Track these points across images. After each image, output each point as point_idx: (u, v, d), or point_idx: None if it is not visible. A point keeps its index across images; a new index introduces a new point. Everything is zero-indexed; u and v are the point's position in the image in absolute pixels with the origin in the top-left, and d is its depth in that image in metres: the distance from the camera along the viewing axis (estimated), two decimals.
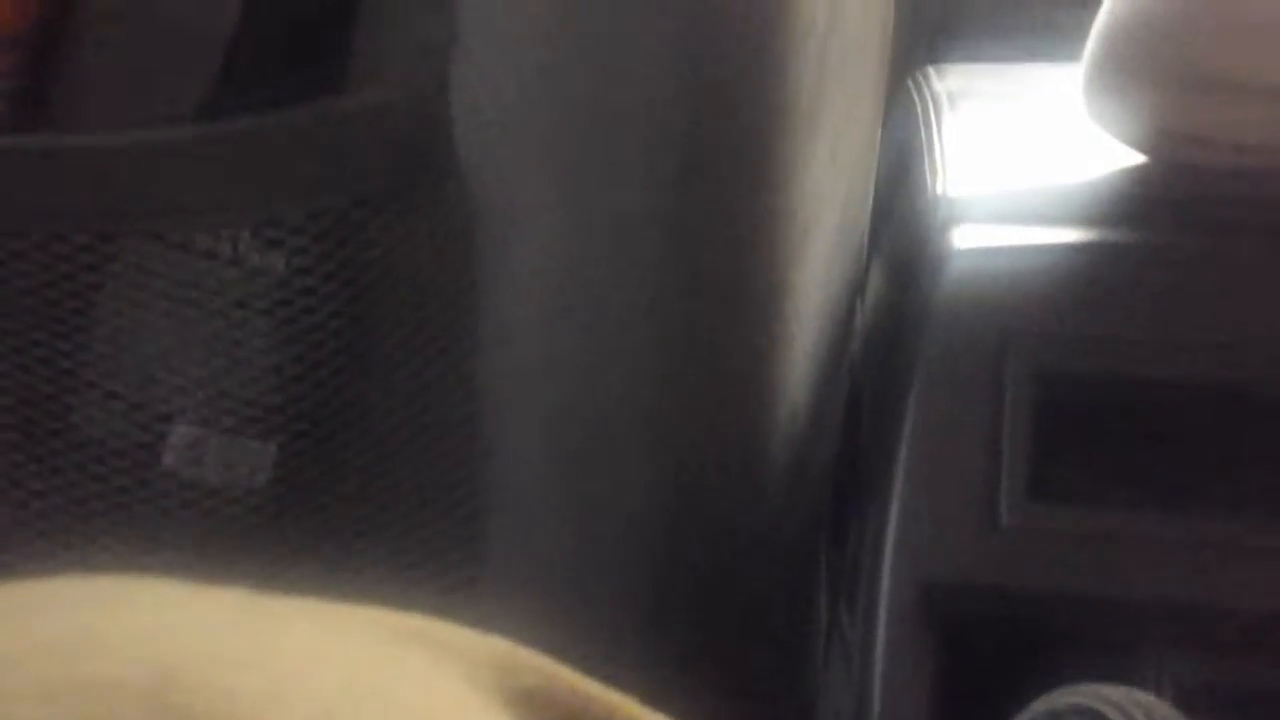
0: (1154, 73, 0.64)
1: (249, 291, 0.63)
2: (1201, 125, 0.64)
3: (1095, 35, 0.66)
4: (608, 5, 0.61)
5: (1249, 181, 0.65)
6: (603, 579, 0.64)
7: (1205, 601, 0.58)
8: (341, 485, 0.62)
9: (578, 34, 0.62)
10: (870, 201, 0.73)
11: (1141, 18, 0.64)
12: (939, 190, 0.66)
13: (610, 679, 0.31)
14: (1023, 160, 0.70)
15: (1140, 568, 0.58)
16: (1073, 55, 0.71)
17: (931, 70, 0.76)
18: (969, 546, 0.58)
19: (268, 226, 0.63)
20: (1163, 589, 0.58)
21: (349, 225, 0.63)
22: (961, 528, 0.58)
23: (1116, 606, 0.58)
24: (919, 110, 0.72)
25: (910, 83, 0.75)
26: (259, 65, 0.66)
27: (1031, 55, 0.81)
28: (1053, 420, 0.60)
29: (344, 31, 0.66)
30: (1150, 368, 0.61)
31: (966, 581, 0.58)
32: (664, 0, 0.61)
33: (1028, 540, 0.58)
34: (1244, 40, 0.62)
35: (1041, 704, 0.46)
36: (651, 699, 0.31)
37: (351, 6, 0.66)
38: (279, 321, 0.62)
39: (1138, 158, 0.67)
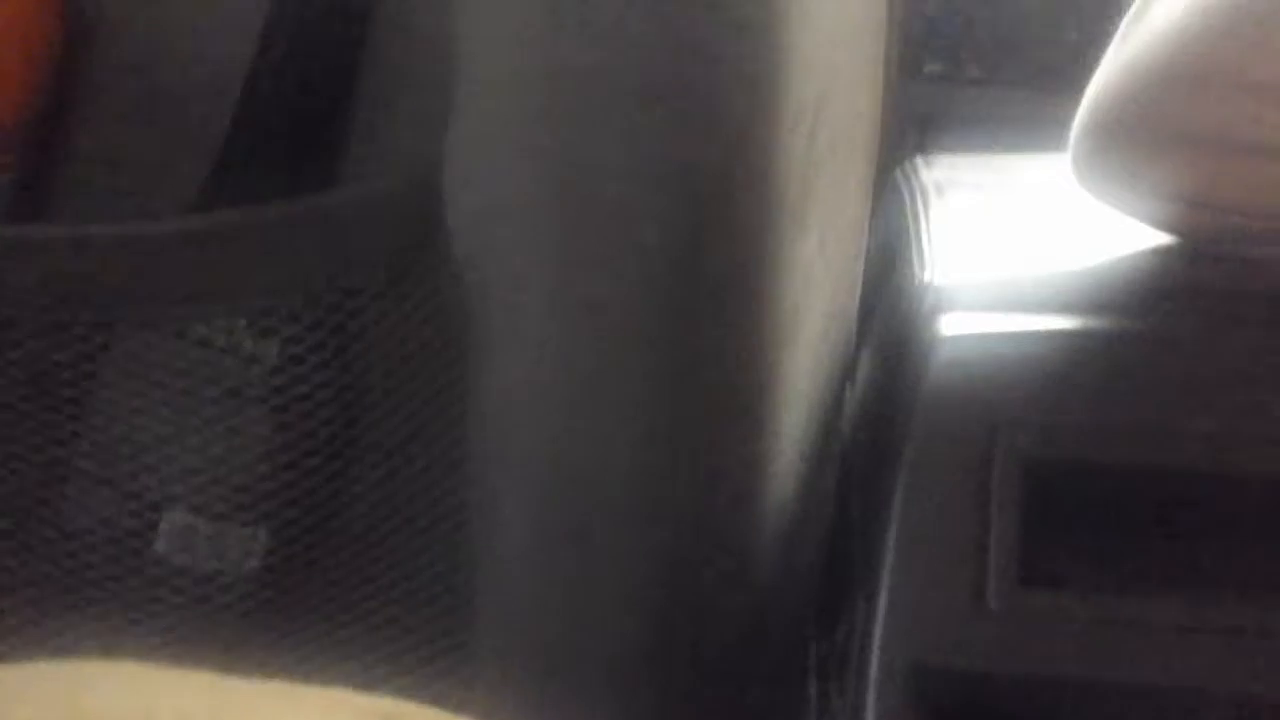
0: (1153, 133, 0.64)
1: (243, 379, 0.63)
2: (1208, 188, 0.64)
3: (1089, 96, 0.66)
4: (596, 96, 0.62)
5: (1245, 265, 0.65)
6: (591, 665, 0.64)
7: (1195, 687, 0.58)
8: (331, 570, 0.63)
9: (566, 124, 0.63)
10: (859, 290, 0.74)
11: (1141, 74, 0.64)
12: (926, 278, 0.67)
13: None
14: (1011, 248, 0.71)
15: (1130, 653, 0.59)
16: (1060, 146, 0.72)
17: (920, 161, 0.77)
18: (958, 631, 0.58)
19: (262, 315, 0.63)
20: (1152, 674, 0.58)
21: (343, 314, 0.64)
22: (950, 612, 0.58)
23: (1106, 691, 0.58)
24: (907, 199, 0.73)
25: (899, 173, 0.76)
26: (256, 158, 0.67)
27: (1021, 146, 0.82)
28: (1041, 506, 0.60)
29: (340, 125, 0.67)
30: (1141, 455, 0.61)
31: (955, 665, 0.58)
32: (652, 90, 0.62)
33: (1017, 625, 0.59)
34: (1252, 97, 0.62)
35: None
36: None
37: (348, 100, 0.67)
38: (272, 409, 0.63)
39: (1129, 242, 0.68)
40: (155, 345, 0.63)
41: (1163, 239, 0.68)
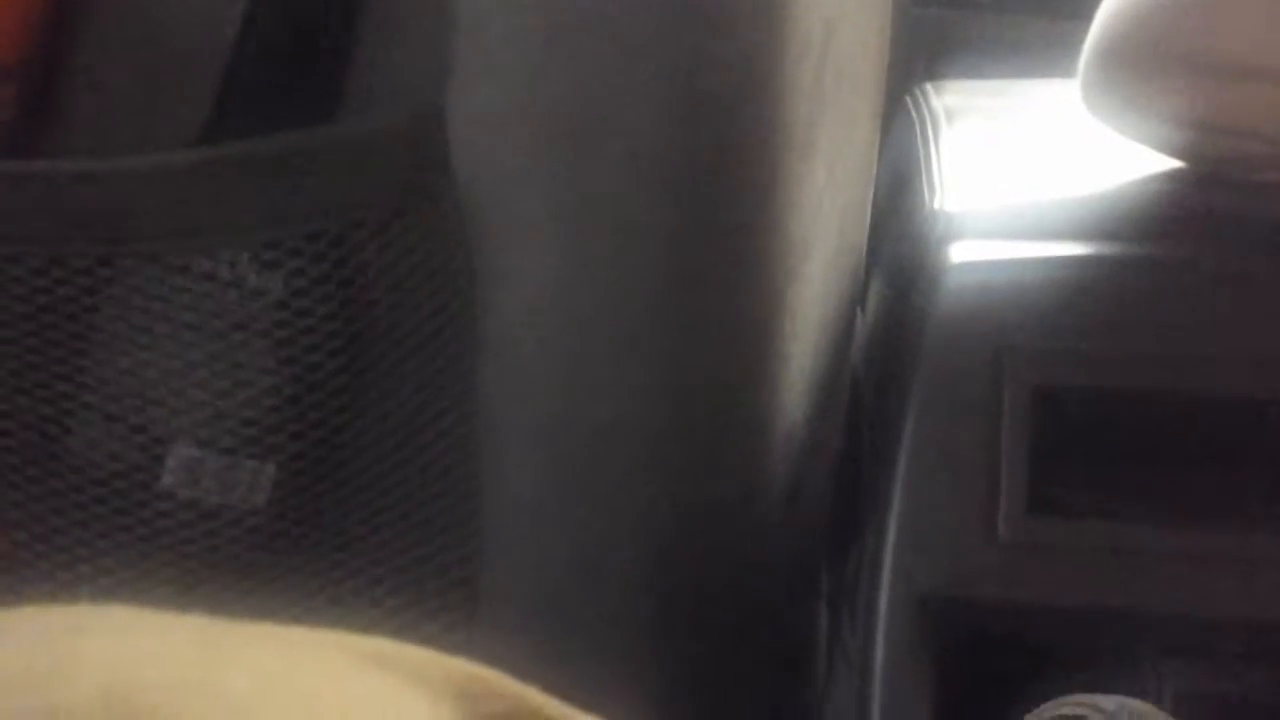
0: (1161, 58, 0.63)
1: (247, 313, 0.63)
2: (1215, 113, 0.64)
3: (1099, 22, 0.65)
4: (600, 30, 0.61)
5: (1254, 190, 0.65)
6: (601, 602, 0.64)
7: (1204, 612, 0.58)
8: (339, 506, 0.62)
9: (570, 57, 0.62)
10: (868, 218, 0.73)
11: (1147, 1, 0.63)
12: (936, 205, 0.67)
13: (611, 703, 0.31)
14: (1021, 175, 0.71)
15: (1139, 580, 0.58)
16: (1070, 72, 0.72)
17: (929, 87, 0.77)
18: (967, 560, 0.58)
19: (266, 249, 0.63)
20: (1161, 601, 0.58)
21: (347, 247, 0.64)
22: (960, 542, 0.58)
23: (1115, 618, 0.58)
24: (916, 127, 0.72)
25: (908, 99, 0.75)
26: (256, 91, 0.67)
27: (1030, 72, 0.81)
28: (1051, 434, 0.60)
29: (341, 57, 0.67)
30: (1148, 381, 0.61)
31: (965, 595, 0.58)
32: (657, 22, 0.61)
33: (1026, 554, 0.58)
34: (1261, 21, 0.62)
35: (1037, 715, 0.45)
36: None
37: (349, 33, 0.67)
38: (277, 342, 0.63)
39: (1138, 169, 0.67)
40: (159, 279, 0.63)
41: (1172, 165, 0.67)
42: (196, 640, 0.28)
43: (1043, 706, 0.54)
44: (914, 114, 0.74)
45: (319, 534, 0.62)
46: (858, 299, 0.72)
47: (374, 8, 0.66)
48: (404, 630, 0.30)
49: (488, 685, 0.29)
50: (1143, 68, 0.64)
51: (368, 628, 0.30)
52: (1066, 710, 0.45)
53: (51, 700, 0.25)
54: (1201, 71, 0.63)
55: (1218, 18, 0.62)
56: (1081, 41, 0.68)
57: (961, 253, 0.64)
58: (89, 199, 0.63)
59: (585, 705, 0.30)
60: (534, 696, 0.29)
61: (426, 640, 0.30)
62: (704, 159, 0.64)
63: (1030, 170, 0.70)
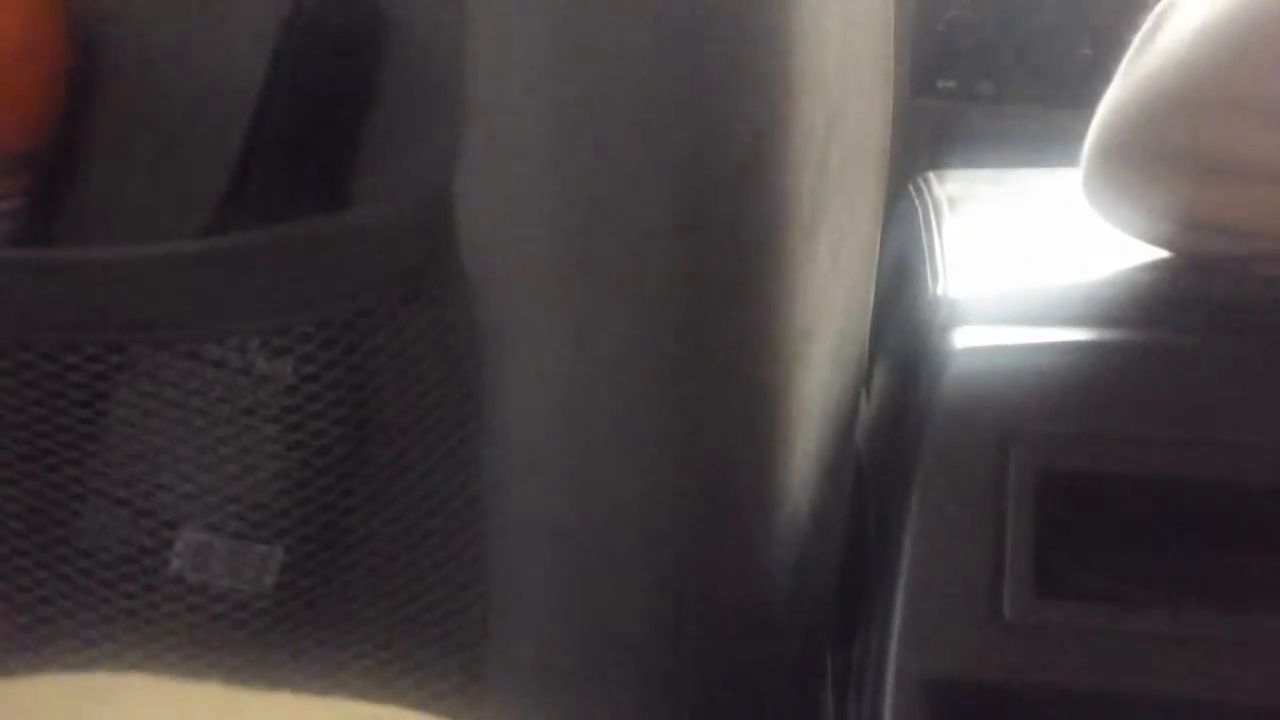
0: (1158, 156, 0.64)
1: (257, 399, 0.63)
2: (1213, 212, 0.64)
3: (1098, 119, 0.66)
4: (608, 118, 0.62)
5: (1253, 275, 0.65)
6: (606, 683, 0.64)
7: (1212, 697, 0.58)
8: (346, 586, 0.63)
9: (578, 145, 0.63)
10: (871, 304, 0.74)
11: (1148, 98, 0.64)
12: (940, 291, 0.67)
13: None
14: (1024, 262, 0.71)
15: (1146, 663, 0.58)
16: (1072, 161, 0.72)
17: (932, 176, 0.77)
18: (974, 642, 0.58)
19: (276, 335, 0.64)
20: (1169, 685, 0.58)
21: (356, 333, 0.64)
22: (966, 623, 0.58)
23: (1121, 702, 0.58)
24: (919, 214, 0.73)
25: (911, 188, 0.76)
26: (268, 179, 0.67)
27: (1031, 162, 0.82)
28: (1057, 517, 0.60)
29: (351, 145, 0.68)
30: (1153, 465, 0.61)
31: (972, 676, 0.58)
32: (663, 110, 0.62)
33: (1033, 635, 0.58)
34: (1257, 122, 0.62)
35: None
36: None
37: (359, 120, 0.68)
38: (286, 427, 0.63)
39: (1140, 256, 0.68)
40: (169, 365, 0.63)
41: (1171, 257, 0.68)
42: (212, 707, 0.28)
43: None
44: (917, 202, 0.74)
45: (325, 614, 0.62)
46: (861, 384, 0.72)
47: (386, 94, 0.67)
48: (409, 700, 0.31)
49: None
50: (1140, 165, 0.64)
51: (374, 696, 0.30)
52: None
53: None
54: (1195, 171, 0.63)
55: (1215, 118, 0.63)
56: (1082, 132, 0.69)
57: (964, 338, 0.64)
58: (101, 287, 0.64)
59: None
60: None
61: (432, 709, 0.30)
62: (710, 245, 0.64)
63: (1032, 257, 0.71)
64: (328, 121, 0.67)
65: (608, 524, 0.64)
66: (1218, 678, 0.58)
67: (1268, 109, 0.62)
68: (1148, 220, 0.66)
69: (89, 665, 0.57)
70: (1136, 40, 0.67)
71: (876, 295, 0.74)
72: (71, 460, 0.62)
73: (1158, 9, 0.67)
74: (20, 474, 0.62)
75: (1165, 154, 0.64)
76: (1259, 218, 0.64)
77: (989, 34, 1.08)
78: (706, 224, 0.64)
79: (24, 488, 0.62)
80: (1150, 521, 0.61)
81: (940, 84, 1.03)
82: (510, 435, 0.65)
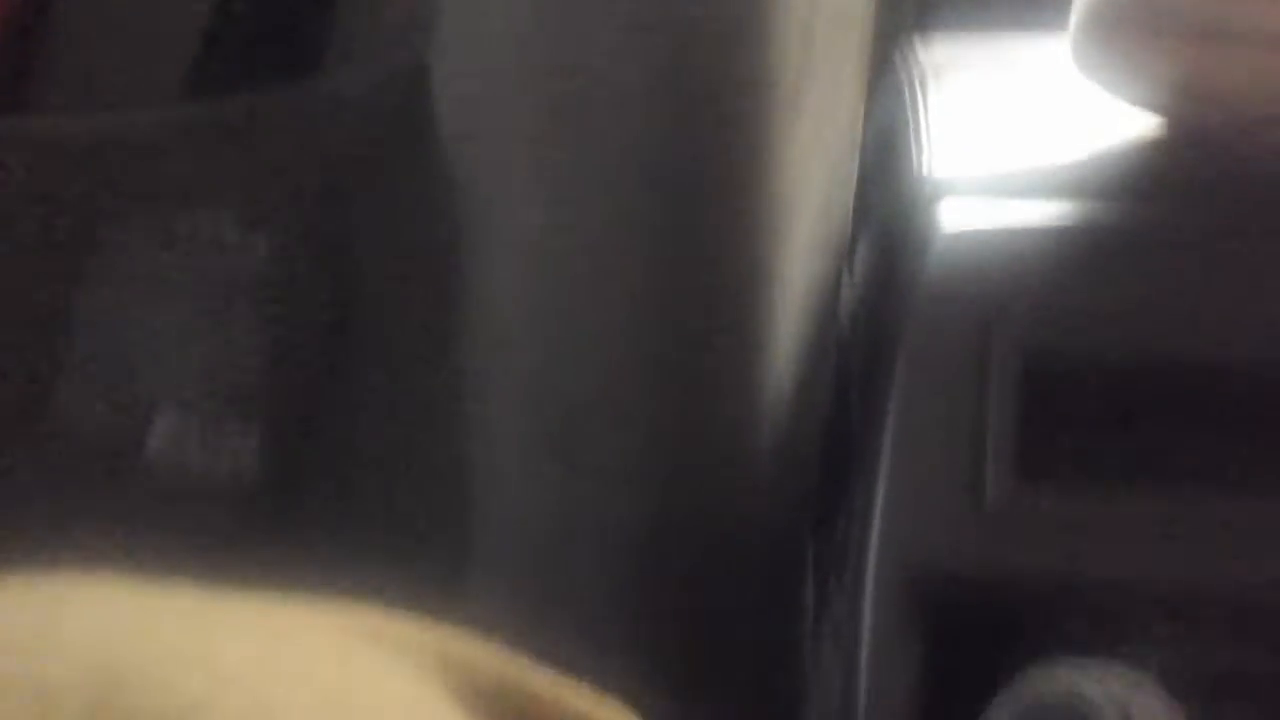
0: (1152, 18, 0.63)
1: (230, 273, 0.63)
2: (1206, 75, 0.63)
3: None
4: None
5: (1250, 149, 0.64)
6: (588, 568, 0.64)
7: (1194, 580, 0.58)
8: (326, 472, 0.62)
9: (558, 14, 0.61)
10: (854, 179, 0.73)
11: None
12: (924, 167, 0.66)
13: (597, 673, 0.31)
14: (1012, 135, 0.70)
15: (1129, 547, 0.58)
16: (1065, 24, 0.71)
17: (918, 42, 0.76)
18: (955, 528, 0.58)
19: (248, 209, 0.63)
20: (1151, 568, 0.58)
21: (332, 205, 0.63)
22: (948, 509, 0.58)
23: (1104, 586, 0.58)
24: (905, 84, 0.71)
25: (896, 55, 0.74)
26: (239, 46, 0.66)
27: (1024, 24, 0.80)
28: (1040, 400, 0.60)
29: (326, 11, 0.66)
30: (1140, 345, 0.61)
31: (953, 562, 0.58)
32: None
33: (1014, 521, 0.58)
34: None
35: (1024, 680, 0.46)
36: (638, 690, 0.32)
37: None
38: (261, 301, 0.62)
39: (1133, 129, 0.67)
40: (140, 239, 0.62)
41: (1165, 126, 0.67)
42: (185, 613, 0.28)
43: (1030, 671, 0.54)
44: (901, 71, 0.73)
45: (306, 501, 0.62)
46: (844, 261, 0.72)
47: None
48: (394, 597, 0.30)
49: (476, 656, 0.29)
50: (1132, 28, 0.63)
51: (357, 595, 0.30)
52: (1058, 685, 0.45)
53: (36, 673, 0.25)
54: (1190, 34, 0.62)
55: None
56: None
57: (949, 215, 0.63)
58: (65, 159, 0.62)
59: (572, 674, 0.30)
60: (523, 667, 0.30)
61: (417, 607, 0.30)
62: (692, 118, 0.63)
63: (1022, 130, 0.70)
64: None
65: (587, 403, 0.64)
66: (1206, 561, 0.58)
67: None
68: (1139, 84, 0.65)
69: (64, 554, 0.57)
70: None
71: (859, 169, 0.73)
72: (43, 340, 0.61)
73: None
74: None
75: (1158, 14, 0.63)
76: (1252, 83, 0.63)
77: None
78: (688, 91, 0.63)
79: None
80: (1137, 404, 0.60)
81: None
82: (489, 310, 0.64)
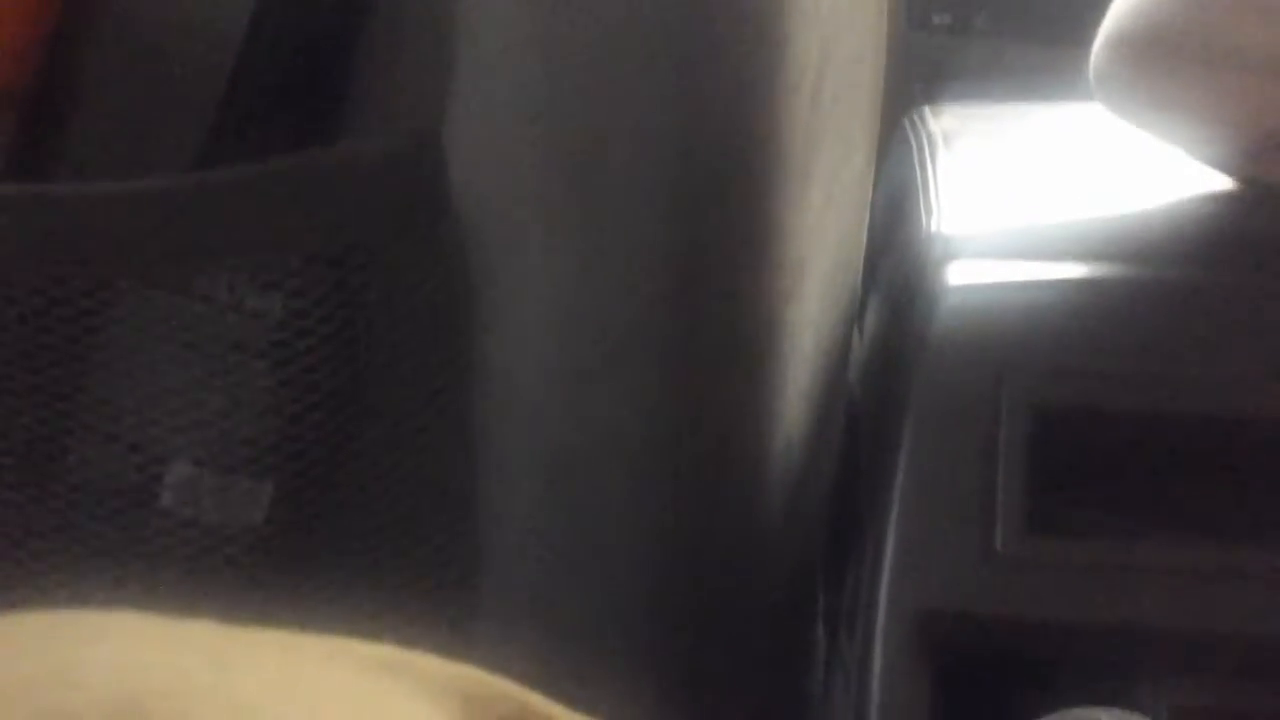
0: (1173, 48, 0.63)
1: (246, 334, 0.63)
2: (1225, 104, 0.63)
3: (1111, 10, 0.65)
4: (599, 53, 0.61)
5: (1249, 207, 0.65)
6: (598, 616, 0.64)
7: (1202, 628, 0.58)
8: (338, 522, 0.62)
9: (568, 77, 0.62)
10: (865, 239, 0.73)
11: None
12: (933, 226, 0.67)
13: (606, 711, 0.31)
14: (1018, 196, 0.71)
15: (1137, 596, 0.58)
16: (1068, 95, 0.72)
17: (927, 110, 0.77)
18: (965, 576, 0.58)
19: (265, 271, 0.63)
20: (1159, 616, 0.58)
21: (346, 269, 0.64)
22: (958, 557, 0.58)
23: (1112, 634, 0.58)
24: (914, 149, 0.72)
25: (905, 123, 0.75)
26: (256, 112, 0.67)
27: (1027, 96, 0.81)
28: (1048, 452, 0.60)
29: (341, 79, 0.67)
30: (1144, 400, 0.61)
31: (963, 611, 0.58)
32: (657, 45, 0.62)
33: (1024, 570, 0.58)
34: (1261, 12, 0.61)
35: None
36: None
37: (348, 55, 0.67)
38: (275, 363, 0.63)
39: (1134, 189, 0.67)
40: (158, 300, 0.63)
41: (1166, 185, 0.68)
42: (205, 646, 0.28)
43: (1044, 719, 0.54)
44: (911, 136, 0.74)
45: (317, 550, 0.62)
46: (855, 319, 0.72)
47: (374, 29, 0.66)
48: (404, 638, 0.30)
49: (492, 689, 0.29)
50: (1152, 58, 0.64)
51: (367, 634, 0.30)
52: None
53: (61, 704, 0.25)
54: (1207, 61, 0.63)
55: (1221, 8, 0.62)
56: (1079, 67, 0.68)
57: (958, 273, 0.64)
58: (87, 223, 0.63)
59: (584, 711, 0.30)
60: (537, 700, 0.29)
61: (427, 647, 0.30)
62: (702, 180, 0.64)
63: (1027, 192, 0.71)
64: (316, 58, 0.67)
65: (599, 460, 0.64)
66: (1209, 609, 0.58)
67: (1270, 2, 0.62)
68: (1159, 113, 0.66)
69: (78, 603, 0.57)
70: None
71: (870, 230, 0.74)
72: (61, 395, 0.62)
73: None
74: (10, 410, 0.61)
75: (1174, 45, 0.64)
76: (1268, 111, 0.63)
77: None
78: (699, 158, 0.64)
79: (14, 424, 0.61)
80: (1142, 456, 0.60)
81: (935, 18, 1.02)
82: (501, 370, 0.65)
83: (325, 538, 0.62)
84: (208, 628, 0.29)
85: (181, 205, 0.64)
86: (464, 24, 0.62)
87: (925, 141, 0.73)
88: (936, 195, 0.69)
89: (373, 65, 0.67)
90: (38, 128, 0.69)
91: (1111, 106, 0.66)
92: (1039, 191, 0.70)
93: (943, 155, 0.72)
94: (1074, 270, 0.64)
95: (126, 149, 0.69)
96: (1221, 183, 0.67)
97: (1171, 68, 0.63)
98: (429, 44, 0.64)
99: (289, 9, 0.66)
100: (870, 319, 0.72)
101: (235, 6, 0.66)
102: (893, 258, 0.70)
